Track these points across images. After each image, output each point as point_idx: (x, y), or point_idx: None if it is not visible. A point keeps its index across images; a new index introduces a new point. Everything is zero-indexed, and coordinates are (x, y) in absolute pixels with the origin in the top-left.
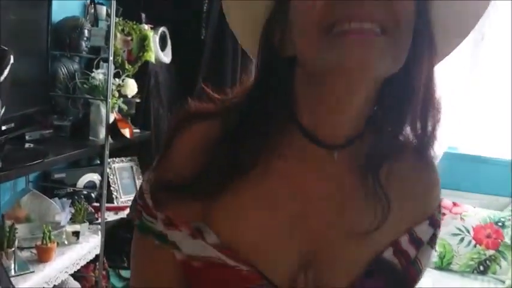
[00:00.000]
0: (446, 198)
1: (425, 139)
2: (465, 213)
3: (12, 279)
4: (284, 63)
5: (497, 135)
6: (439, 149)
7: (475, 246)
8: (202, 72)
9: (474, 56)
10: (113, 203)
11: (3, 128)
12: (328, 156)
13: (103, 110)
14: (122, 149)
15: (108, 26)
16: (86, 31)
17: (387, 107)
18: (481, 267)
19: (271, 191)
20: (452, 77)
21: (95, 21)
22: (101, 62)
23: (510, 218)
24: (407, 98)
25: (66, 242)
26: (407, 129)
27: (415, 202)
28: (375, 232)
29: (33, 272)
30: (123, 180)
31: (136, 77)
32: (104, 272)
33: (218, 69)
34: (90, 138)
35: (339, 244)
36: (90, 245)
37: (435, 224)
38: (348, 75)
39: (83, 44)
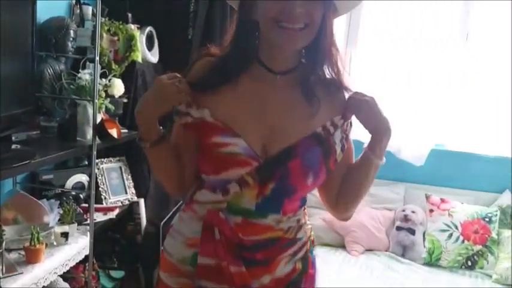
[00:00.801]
0: (435, 195)
1: (335, 69)
2: (453, 209)
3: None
4: (254, 23)
5: (483, 131)
6: (425, 146)
7: (463, 241)
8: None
9: (459, 54)
10: (102, 203)
11: None
12: (274, 77)
13: (90, 111)
14: (110, 149)
15: (94, 26)
16: (71, 31)
17: (309, 53)
18: (469, 263)
19: (242, 93)
20: (437, 76)
21: (81, 21)
22: (88, 63)
23: (497, 213)
24: (319, 47)
25: (55, 243)
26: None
27: (332, 104)
28: (311, 119)
29: (21, 273)
30: (112, 180)
31: (123, 77)
32: (93, 273)
33: None
34: (78, 139)
35: (287, 125)
36: (79, 245)
37: (345, 118)
38: (282, 46)
39: (69, 44)
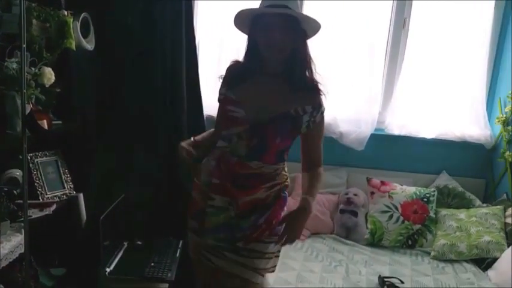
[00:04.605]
0: (375, 178)
1: (309, 72)
2: (393, 191)
3: None
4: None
5: (421, 116)
6: (365, 131)
7: (403, 222)
8: (128, 59)
9: (396, 41)
10: (38, 199)
11: None
12: (270, 76)
13: (19, 101)
14: (45, 142)
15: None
16: None
17: (291, 62)
18: (409, 242)
19: (252, 84)
20: (376, 61)
21: (8, 6)
22: (16, 51)
23: (434, 193)
24: (296, 59)
25: None
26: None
27: (305, 96)
28: (286, 103)
29: None
30: (48, 175)
31: (57, 65)
32: (32, 272)
33: (146, 56)
34: (7, 131)
35: (271, 105)
36: (13, 244)
37: (316, 107)
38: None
39: None
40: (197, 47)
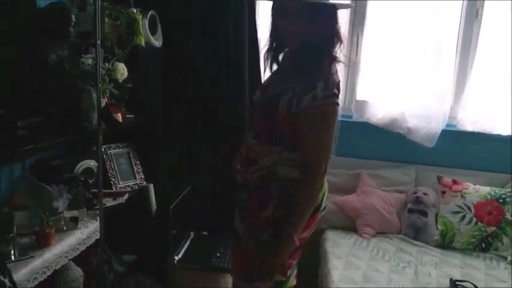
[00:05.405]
0: (446, 176)
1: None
2: (466, 190)
3: (12, 264)
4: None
5: (496, 111)
6: (435, 127)
7: (476, 223)
8: (194, 54)
9: (468, 32)
10: (112, 188)
11: None
12: (290, 57)
13: (95, 96)
14: (118, 135)
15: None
16: (73, 16)
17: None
18: (483, 244)
19: (272, 72)
20: (448, 56)
21: (83, 6)
22: (91, 48)
23: (511, 194)
24: (312, 44)
25: (64, 228)
26: None
27: (305, 76)
28: (280, 85)
29: (32, 257)
30: (121, 166)
31: (127, 61)
32: (105, 257)
33: (210, 51)
34: (84, 124)
35: (272, 86)
36: (89, 230)
37: (305, 86)
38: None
39: (71, 29)
40: (259, 43)
